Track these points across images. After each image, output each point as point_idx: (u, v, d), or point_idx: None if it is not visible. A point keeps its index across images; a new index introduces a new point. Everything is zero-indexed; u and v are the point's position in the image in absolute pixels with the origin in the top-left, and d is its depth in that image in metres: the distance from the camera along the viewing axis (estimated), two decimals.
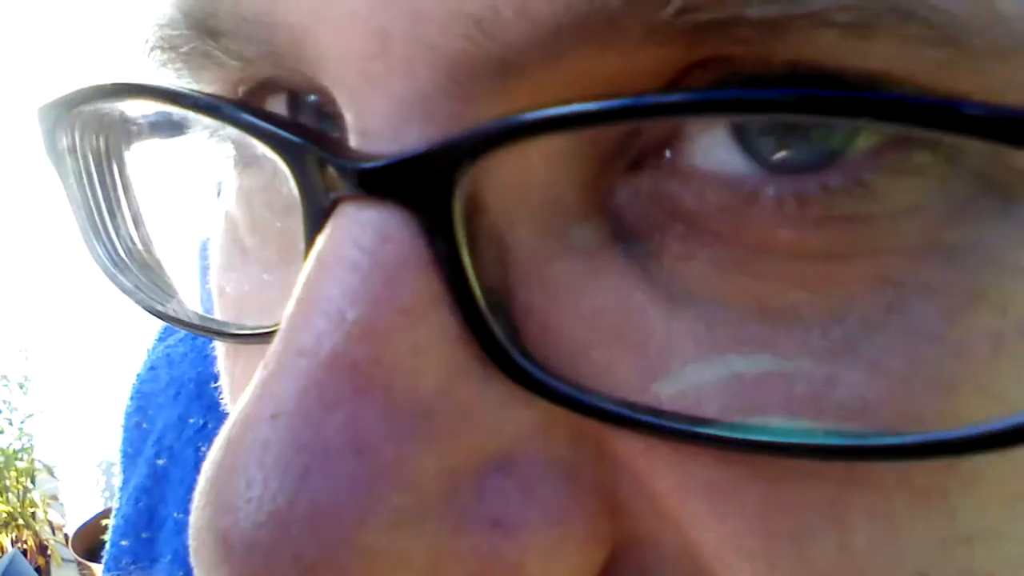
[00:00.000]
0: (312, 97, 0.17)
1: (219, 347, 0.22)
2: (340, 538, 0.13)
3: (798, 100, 0.12)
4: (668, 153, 0.14)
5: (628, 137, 0.15)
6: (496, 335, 0.14)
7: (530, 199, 0.15)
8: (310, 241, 0.15)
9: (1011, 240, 0.13)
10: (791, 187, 0.14)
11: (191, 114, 0.17)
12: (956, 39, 0.12)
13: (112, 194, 0.21)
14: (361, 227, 0.14)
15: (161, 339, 0.61)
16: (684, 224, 0.14)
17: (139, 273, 0.21)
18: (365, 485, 0.13)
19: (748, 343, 0.14)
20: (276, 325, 0.15)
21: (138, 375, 0.60)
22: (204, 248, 0.23)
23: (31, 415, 2.16)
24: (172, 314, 0.20)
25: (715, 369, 0.14)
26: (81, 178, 0.21)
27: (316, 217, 0.15)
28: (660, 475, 0.14)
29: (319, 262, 0.14)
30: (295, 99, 0.18)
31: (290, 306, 0.14)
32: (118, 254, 0.21)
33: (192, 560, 0.14)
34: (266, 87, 0.18)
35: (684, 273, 0.14)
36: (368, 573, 0.13)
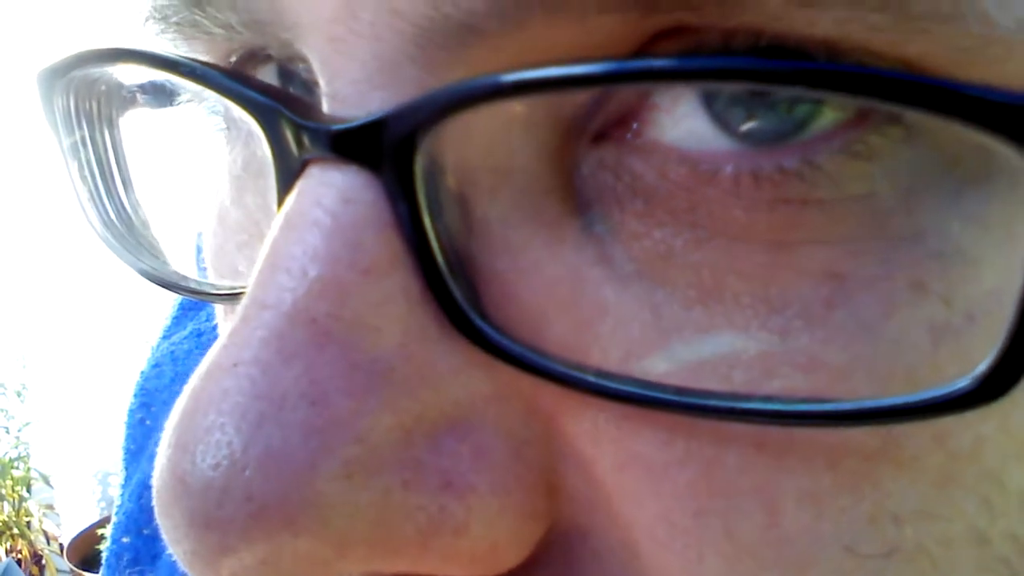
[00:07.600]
0: (301, 67, 0.18)
1: (216, 310, 0.22)
2: (290, 484, 0.14)
3: (762, 71, 0.12)
4: (635, 125, 0.15)
5: (593, 108, 0.15)
6: (455, 297, 0.14)
7: (493, 166, 0.15)
8: (280, 202, 0.15)
9: (957, 229, 0.13)
10: (748, 165, 0.14)
11: (177, 80, 0.18)
12: (895, 1, 0.12)
13: (104, 157, 0.22)
14: (326, 188, 0.15)
15: (166, 336, 0.60)
16: (643, 201, 0.14)
17: (127, 234, 0.22)
18: (317, 435, 0.14)
19: (690, 328, 0.14)
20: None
21: (142, 372, 0.60)
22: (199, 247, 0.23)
23: (28, 424, 2.15)
24: (156, 274, 0.21)
25: (657, 352, 0.14)
26: (75, 141, 0.21)
27: (286, 179, 0.15)
28: (602, 455, 0.15)
29: (286, 221, 0.15)
30: (284, 70, 0.18)
31: (258, 263, 0.15)
32: (109, 216, 0.22)
33: (154, 500, 0.14)
34: (255, 58, 0.19)
35: (637, 253, 0.14)
36: (316, 519, 0.14)
